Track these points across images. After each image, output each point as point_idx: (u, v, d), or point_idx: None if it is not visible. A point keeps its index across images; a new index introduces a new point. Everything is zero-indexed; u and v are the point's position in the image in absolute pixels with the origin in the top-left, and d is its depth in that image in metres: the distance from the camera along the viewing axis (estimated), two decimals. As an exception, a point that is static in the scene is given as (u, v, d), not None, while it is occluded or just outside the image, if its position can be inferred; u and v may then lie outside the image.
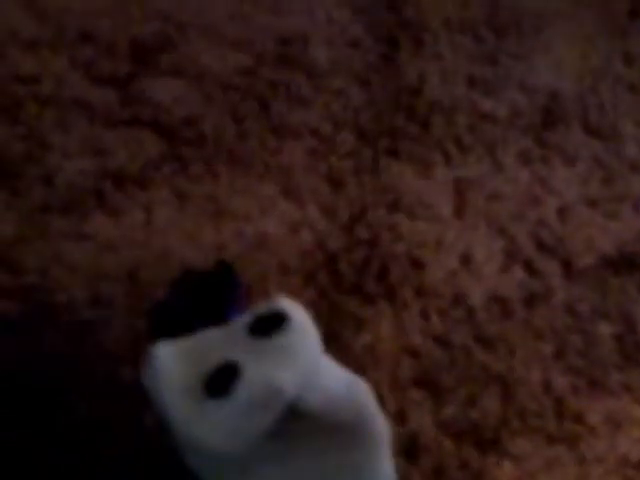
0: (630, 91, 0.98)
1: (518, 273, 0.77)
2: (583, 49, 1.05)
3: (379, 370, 0.68)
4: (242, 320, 0.59)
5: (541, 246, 0.80)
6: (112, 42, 0.98)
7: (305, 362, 0.56)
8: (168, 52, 0.97)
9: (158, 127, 0.88)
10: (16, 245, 0.75)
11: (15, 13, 1.01)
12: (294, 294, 0.74)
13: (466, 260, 0.78)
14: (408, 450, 0.62)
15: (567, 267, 0.78)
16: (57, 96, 0.90)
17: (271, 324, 0.57)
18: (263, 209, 0.82)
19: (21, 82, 0.92)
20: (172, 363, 0.57)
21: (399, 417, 0.64)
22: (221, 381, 0.55)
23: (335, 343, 0.69)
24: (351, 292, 0.74)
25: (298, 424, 0.56)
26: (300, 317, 0.58)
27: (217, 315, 0.60)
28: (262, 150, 0.88)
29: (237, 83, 0.95)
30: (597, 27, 1.09)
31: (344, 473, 0.56)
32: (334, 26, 1.04)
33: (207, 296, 0.61)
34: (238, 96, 0.93)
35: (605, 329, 0.73)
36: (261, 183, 0.84)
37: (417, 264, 0.77)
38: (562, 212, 0.84)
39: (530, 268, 0.78)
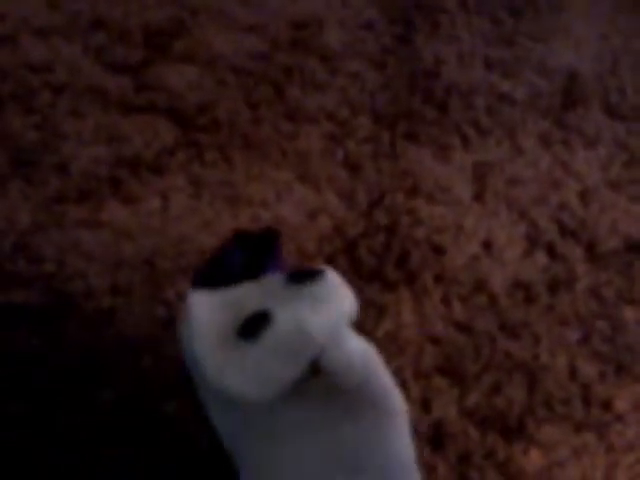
0: (651, 71, 0.97)
1: (541, 258, 0.76)
2: (602, 29, 1.03)
3: (402, 357, 0.67)
4: (279, 274, 0.60)
5: (563, 230, 0.79)
6: (125, 29, 0.97)
7: (336, 313, 0.56)
8: (182, 38, 0.96)
9: (173, 113, 0.87)
10: (33, 234, 0.75)
11: (27, 1, 1.00)
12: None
13: (487, 245, 0.77)
14: (433, 438, 0.61)
15: (591, 251, 0.77)
16: (71, 84, 0.90)
17: (307, 276, 0.58)
18: (279, 195, 0.81)
19: (34, 70, 0.91)
20: (207, 312, 0.57)
21: (423, 405, 0.63)
22: (252, 327, 0.55)
23: (356, 330, 0.69)
24: (371, 278, 0.73)
25: (316, 385, 0.56)
26: (335, 277, 0.58)
27: (257, 274, 0.61)
28: (277, 135, 0.87)
29: (251, 68, 0.94)
30: (616, 6, 1.07)
31: (358, 443, 0.56)
32: (348, 9, 1.03)
33: (252, 255, 0.63)
34: (252, 81, 0.92)
35: (631, 314, 0.72)
36: (277, 169, 0.83)
37: (437, 249, 0.76)
38: (584, 195, 0.83)
39: (553, 253, 0.77)
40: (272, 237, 0.63)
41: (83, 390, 0.63)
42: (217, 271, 0.61)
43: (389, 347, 0.67)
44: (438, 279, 0.74)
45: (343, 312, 0.56)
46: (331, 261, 0.75)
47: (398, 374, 0.64)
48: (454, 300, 0.72)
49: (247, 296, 0.58)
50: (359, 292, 0.72)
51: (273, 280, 0.59)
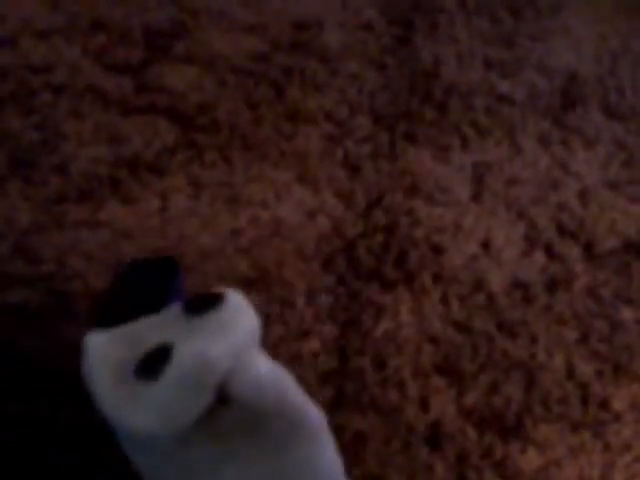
0: (651, 72, 0.97)
1: (539, 258, 0.76)
2: (601, 30, 1.03)
3: (400, 357, 0.67)
4: (178, 304, 0.58)
5: (562, 230, 0.79)
6: (125, 29, 0.97)
7: (238, 339, 0.55)
8: (182, 39, 0.96)
9: (172, 114, 0.88)
10: (32, 234, 0.75)
11: (28, 2, 1.01)
12: (312, 280, 0.74)
13: (486, 245, 0.77)
14: (431, 438, 0.62)
15: (589, 251, 0.77)
16: (71, 84, 0.90)
17: (206, 303, 0.56)
18: (279, 195, 0.81)
19: (35, 71, 0.91)
20: (105, 351, 0.56)
21: (421, 404, 0.64)
22: (152, 363, 0.54)
23: (355, 330, 0.69)
24: (370, 278, 0.73)
25: (228, 414, 0.55)
26: (237, 299, 0.57)
27: (159, 305, 0.60)
28: (277, 136, 0.87)
29: (251, 69, 0.94)
30: (615, 7, 1.07)
31: (282, 470, 0.55)
32: (348, 10, 1.03)
33: (149, 287, 0.61)
34: (252, 82, 0.93)
35: (629, 314, 0.72)
36: (276, 169, 0.84)
37: (436, 249, 0.76)
38: (583, 195, 0.83)
39: (551, 253, 0.77)
40: (172, 265, 0.62)
41: (81, 390, 0.64)
42: (116, 307, 0.60)
43: (388, 346, 0.67)
44: (437, 279, 0.74)
45: (246, 336, 0.55)
46: (329, 261, 0.75)
47: (396, 373, 0.64)
48: (453, 300, 0.72)
49: (146, 330, 0.57)
50: (358, 292, 0.72)
51: (172, 311, 0.57)
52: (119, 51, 0.94)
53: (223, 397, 0.54)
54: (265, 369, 0.56)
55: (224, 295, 0.57)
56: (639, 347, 0.69)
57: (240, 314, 0.56)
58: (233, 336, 0.55)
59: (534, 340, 0.69)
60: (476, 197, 0.82)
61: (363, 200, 0.81)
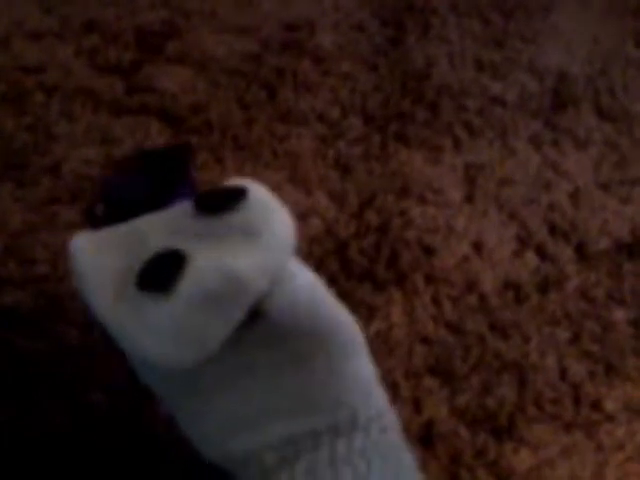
0: (641, 73, 0.97)
1: (531, 258, 0.77)
2: (593, 31, 1.03)
3: (392, 358, 0.67)
4: (187, 202, 0.47)
5: (554, 231, 0.79)
6: (117, 31, 0.97)
7: (272, 248, 0.45)
8: (174, 40, 0.96)
9: (164, 115, 0.88)
10: (24, 236, 0.75)
11: (19, 3, 1.00)
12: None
13: (478, 246, 0.77)
14: (424, 438, 0.62)
15: (581, 252, 0.77)
16: (63, 85, 0.90)
17: (224, 200, 0.46)
18: (272, 197, 0.81)
19: (26, 72, 0.91)
20: (98, 256, 0.46)
21: (414, 405, 0.64)
22: (159, 273, 0.43)
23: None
24: (361, 279, 0.73)
25: (253, 332, 0.45)
26: (262, 193, 0.47)
27: (165, 200, 0.48)
28: (269, 137, 0.87)
29: (243, 70, 0.94)
30: (606, 9, 1.07)
31: (305, 386, 0.47)
32: (340, 10, 1.03)
33: (158, 179, 0.49)
34: (244, 83, 0.92)
35: (621, 315, 0.72)
36: (268, 170, 0.84)
37: (428, 250, 0.77)
38: (575, 196, 0.83)
39: (543, 253, 0.77)
40: (183, 153, 0.50)
41: (73, 393, 0.64)
42: (114, 203, 0.49)
43: (380, 347, 0.67)
44: (429, 280, 0.74)
45: (280, 243, 0.45)
46: (322, 262, 0.75)
47: (388, 374, 0.64)
48: (444, 300, 0.72)
49: (149, 232, 0.46)
50: (350, 292, 0.72)
51: (181, 209, 0.46)
52: (111, 52, 0.94)
53: (251, 314, 0.45)
54: (301, 280, 0.48)
55: (246, 189, 0.46)
56: (631, 348, 0.69)
57: (269, 213, 0.46)
58: (265, 242, 0.44)
59: (526, 341, 0.69)
60: (468, 198, 0.82)
61: (355, 201, 0.81)
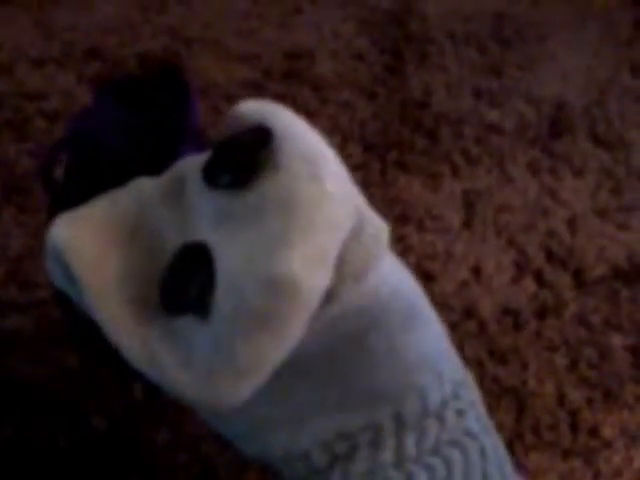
0: (637, 102, 0.98)
1: (529, 285, 0.77)
2: (589, 59, 1.05)
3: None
4: (192, 162, 0.35)
5: (551, 257, 0.80)
6: (119, 58, 0.98)
7: (318, 222, 0.32)
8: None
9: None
10: (26, 260, 0.75)
11: (23, 30, 1.02)
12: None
13: (476, 272, 0.78)
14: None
15: (578, 278, 0.78)
16: (65, 112, 0.90)
17: (241, 165, 0.33)
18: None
19: (29, 98, 0.92)
20: (96, 252, 0.34)
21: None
22: (187, 288, 0.32)
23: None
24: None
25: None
26: (293, 130, 0.34)
27: (155, 153, 0.34)
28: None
29: (244, 97, 0.95)
30: (603, 37, 1.09)
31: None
32: (340, 40, 1.04)
33: (140, 118, 0.34)
34: (245, 110, 0.93)
35: (618, 341, 0.72)
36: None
37: (427, 276, 0.77)
38: (572, 223, 0.84)
39: (541, 280, 0.78)
40: (178, 82, 0.36)
41: (73, 417, 0.64)
42: (84, 156, 0.34)
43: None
44: (428, 306, 0.74)
45: (331, 215, 0.32)
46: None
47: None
48: (444, 326, 0.73)
49: (151, 213, 0.34)
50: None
51: (183, 169, 0.35)
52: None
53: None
54: (386, 270, 0.37)
55: (269, 130, 0.34)
56: (629, 374, 0.70)
57: (308, 164, 0.33)
58: (310, 221, 0.32)
59: (525, 366, 0.70)
60: (466, 224, 0.83)
61: (355, 227, 0.82)
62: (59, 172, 0.43)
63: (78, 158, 0.39)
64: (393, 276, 0.40)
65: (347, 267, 0.35)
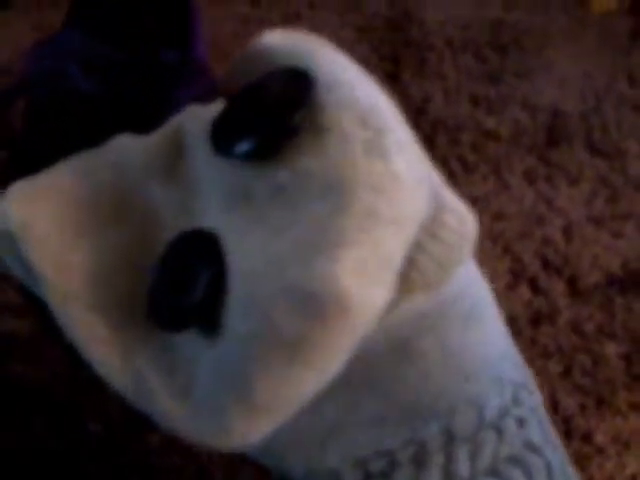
0: (634, 111, 0.99)
1: (524, 292, 0.77)
2: (586, 68, 1.05)
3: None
4: (202, 115, 0.26)
5: (547, 265, 0.80)
6: (118, 62, 0.98)
7: (384, 214, 0.24)
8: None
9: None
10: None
11: (21, 34, 1.02)
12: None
13: (472, 279, 0.78)
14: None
15: (573, 286, 0.78)
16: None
17: (275, 121, 0.24)
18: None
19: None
20: (57, 236, 0.26)
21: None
22: (189, 296, 0.24)
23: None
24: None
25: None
26: (348, 78, 0.26)
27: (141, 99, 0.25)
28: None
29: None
30: (600, 46, 1.09)
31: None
32: (340, 46, 1.05)
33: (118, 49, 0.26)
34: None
35: (611, 348, 0.73)
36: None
37: (423, 283, 0.77)
38: (567, 231, 0.84)
39: (536, 287, 0.78)
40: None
41: (69, 419, 0.64)
42: (41, 102, 0.25)
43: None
44: (423, 312, 0.75)
45: (401, 206, 0.25)
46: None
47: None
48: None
49: (140, 185, 0.25)
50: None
51: (189, 126, 0.26)
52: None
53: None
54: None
55: (310, 79, 0.26)
56: (622, 381, 0.70)
57: (390, 128, 0.25)
58: (369, 213, 0.24)
59: (519, 373, 0.70)
60: (462, 231, 0.83)
61: (351, 233, 0.82)
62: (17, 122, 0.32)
63: (37, 107, 0.29)
64: (462, 273, 0.33)
65: (417, 274, 0.28)
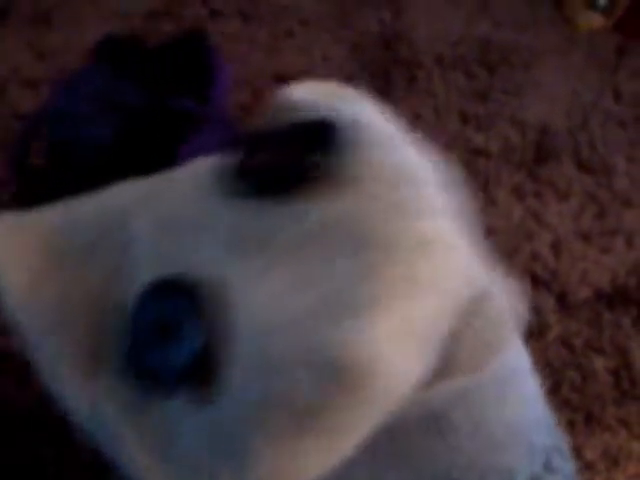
0: (620, 127, 1.00)
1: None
2: (573, 85, 1.06)
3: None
4: (214, 158, 0.24)
5: (536, 280, 0.81)
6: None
7: (421, 275, 0.22)
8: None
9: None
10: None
11: (15, 51, 1.02)
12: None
13: (462, 294, 0.79)
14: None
15: (562, 301, 0.79)
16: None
17: (290, 163, 0.23)
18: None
19: (22, 119, 0.93)
20: (27, 272, 0.23)
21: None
22: (167, 341, 0.21)
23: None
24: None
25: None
26: (382, 131, 0.23)
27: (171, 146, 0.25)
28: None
29: (233, 119, 0.96)
30: (587, 63, 1.11)
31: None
32: (330, 63, 1.06)
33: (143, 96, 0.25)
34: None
35: (600, 364, 0.73)
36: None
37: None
38: (556, 246, 0.85)
39: (525, 302, 0.79)
40: (199, 48, 0.25)
41: (58, 433, 0.64)
42: (63, 141, 0.25)
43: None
44: (414, 328, 0.75)
45: (439, 262, 0.22)
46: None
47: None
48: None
49: (131, 221, 0.23)
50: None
51: (203, 173, 0.23)
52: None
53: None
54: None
55: (333, 124, 0.22)
56: (610, 397, 0.71)
57: (396, 182, 0.22)
58: (422, 284, 0.21)
59: (508, 389, 0.70)
60: (452, 247, 0.84)
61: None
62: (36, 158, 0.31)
63: (53, 147, 0.28)
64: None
65: (459, 355, 0.25)
